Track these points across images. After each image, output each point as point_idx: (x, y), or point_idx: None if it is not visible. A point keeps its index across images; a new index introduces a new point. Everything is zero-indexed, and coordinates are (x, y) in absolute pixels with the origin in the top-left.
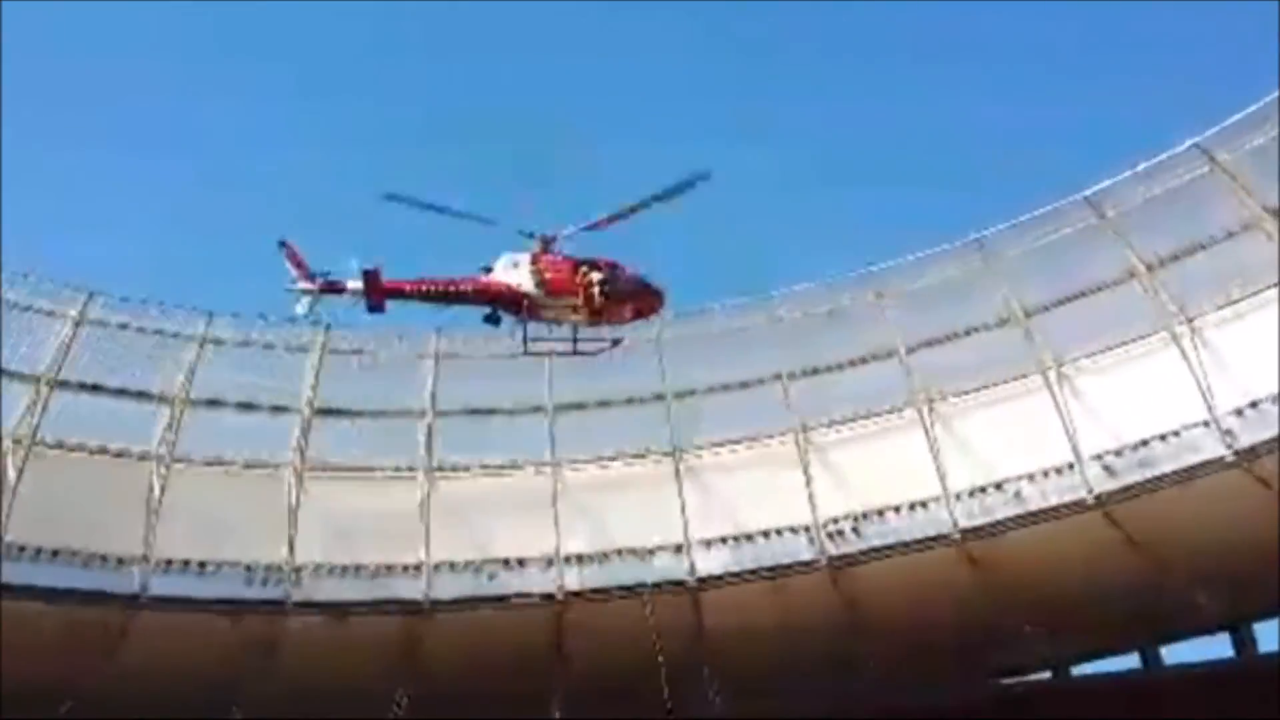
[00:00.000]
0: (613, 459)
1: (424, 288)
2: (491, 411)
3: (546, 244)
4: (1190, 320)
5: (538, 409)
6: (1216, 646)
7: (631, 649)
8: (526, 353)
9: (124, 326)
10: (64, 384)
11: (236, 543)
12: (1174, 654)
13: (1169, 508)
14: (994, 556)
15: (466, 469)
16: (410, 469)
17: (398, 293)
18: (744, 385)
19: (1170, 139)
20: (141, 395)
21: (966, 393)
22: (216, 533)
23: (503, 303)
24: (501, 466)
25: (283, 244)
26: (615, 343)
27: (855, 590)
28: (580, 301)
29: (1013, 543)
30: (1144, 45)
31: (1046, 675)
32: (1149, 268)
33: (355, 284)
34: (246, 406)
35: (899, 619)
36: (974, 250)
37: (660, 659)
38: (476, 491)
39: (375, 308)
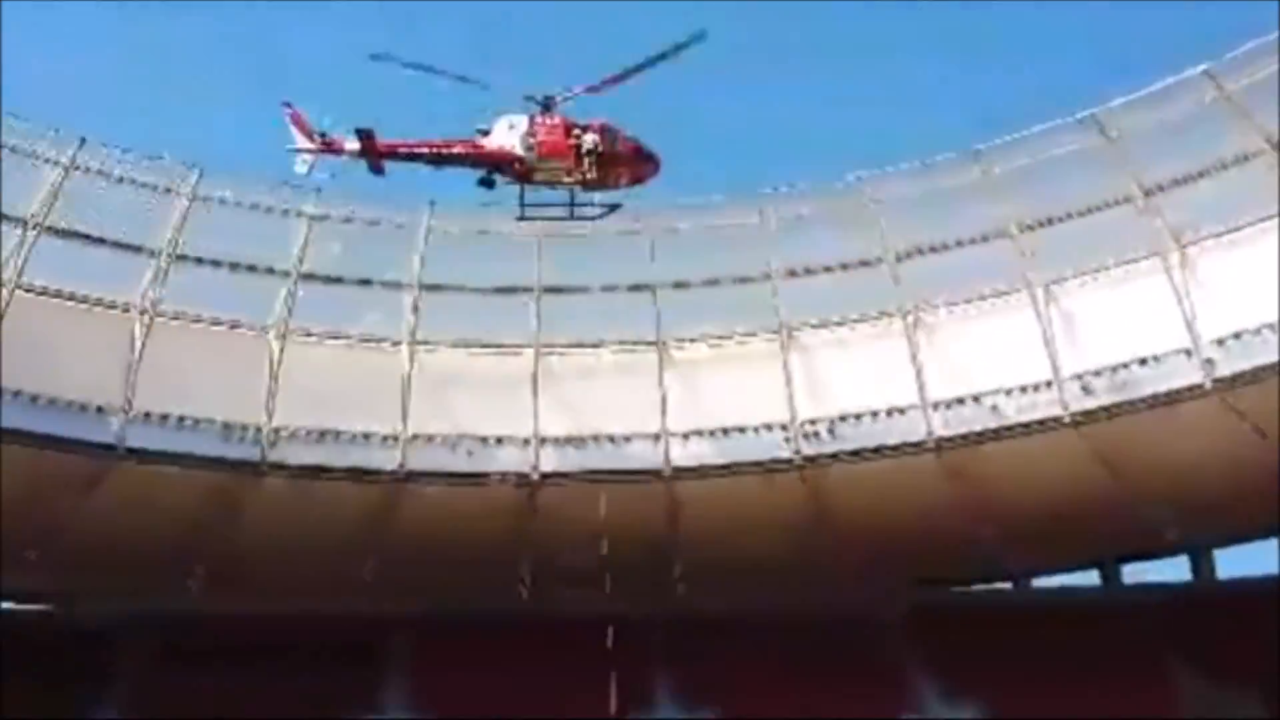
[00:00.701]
0: (596, 345)
1: (419, 149)
2: (478, 290)
3: (547, 107)
4: (1183, 247)
5: (525, 289)
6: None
7: (604, 533)
8: (522, 218)
9: (115, 177)
10: (52, 229)
11: (216, 401)
12: (1134, 574)
13: (1143, 431)
14: (967, 468)
15: (449, 344)
16: (394, 340)
17: (393, 153)
18: (731, 281)
19: (1178, 65)
20: (127, 247)
21: (952, 304)
22: (196, 389)
23: (497, 165)
24: (485, 345)
25: (285, 104)
26: (612, 208)
27: (827, 491)
28: (573, 164)
29: (987, 455)
30: None
31: (1007, 586)
32: (1147, 193)
33: (353, 144)
34: (233, 266)
35: (869, 523)
36: (971, 161)
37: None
38: (459, 367)
39: (375, 169)
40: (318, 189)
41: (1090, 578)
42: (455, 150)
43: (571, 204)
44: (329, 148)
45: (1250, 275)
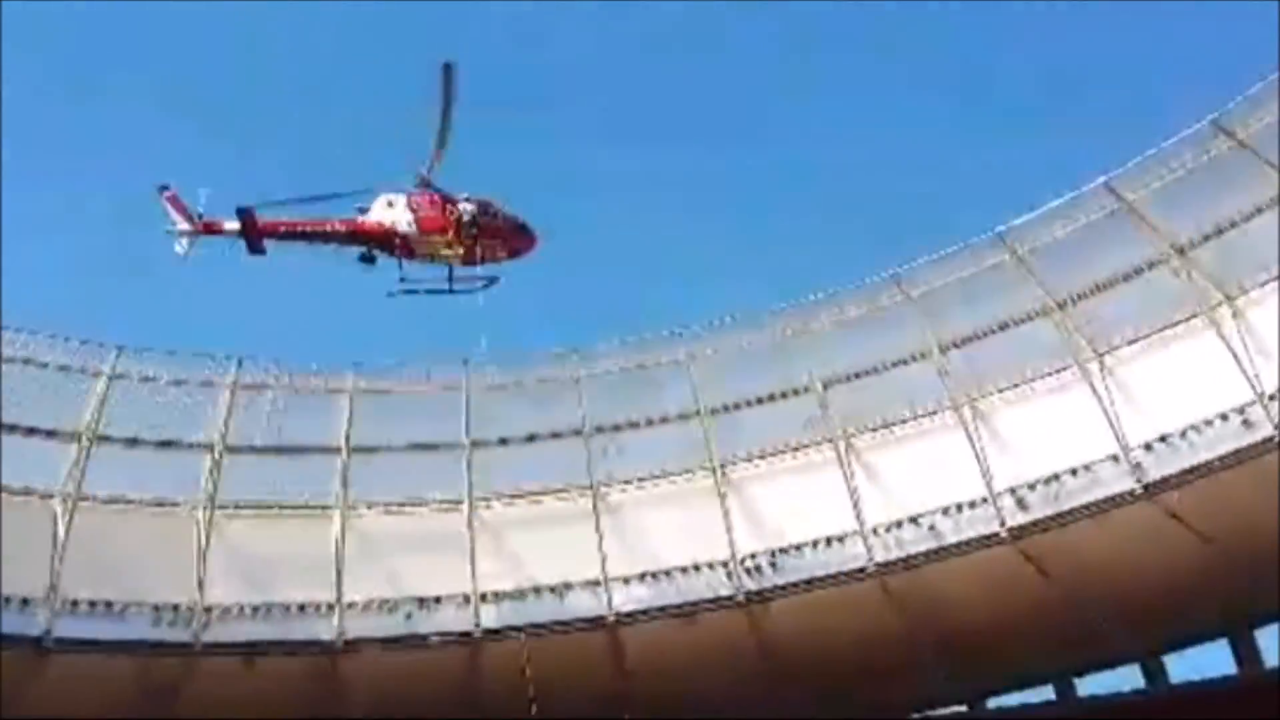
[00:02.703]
0: (530, 495)
1: (299, 228)
2: (407, 448)
3: (424, 183)
4: (1100, 355)
5: (454, 444)
6: (1128, 678)
7: (551, 687)
8: (402, 292)
9: (29, 361)
10: None
11: (145, 582)
12: (1087, 686)
13: (1081, 541)
14: (910, 591)
15: (381, 506)
16: (324, 506)
17: (274, 232)
18: (661, 420)
19: (1080, 178)
20: (49, 433)
21: (882, 428)
22: (124, 572)
23: (378, 242)
24: (417, 504)
25: (163, 188)
26: (490, 281)
27: (772, 625)
28: (453, 238)
29: (928, 577)
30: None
31: (961, 709)
32: (1060, 304)
33: (233, 224)
34: (156, 444)
35: (816, 654)
36: (891, 284)
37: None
38: (391, 529)
39: (255, 249)
40: (239, 360)
41: (1045, 694)
42: (336, 228)
43: (450, 279)
44: (209, 229)
45: (1170, 379)
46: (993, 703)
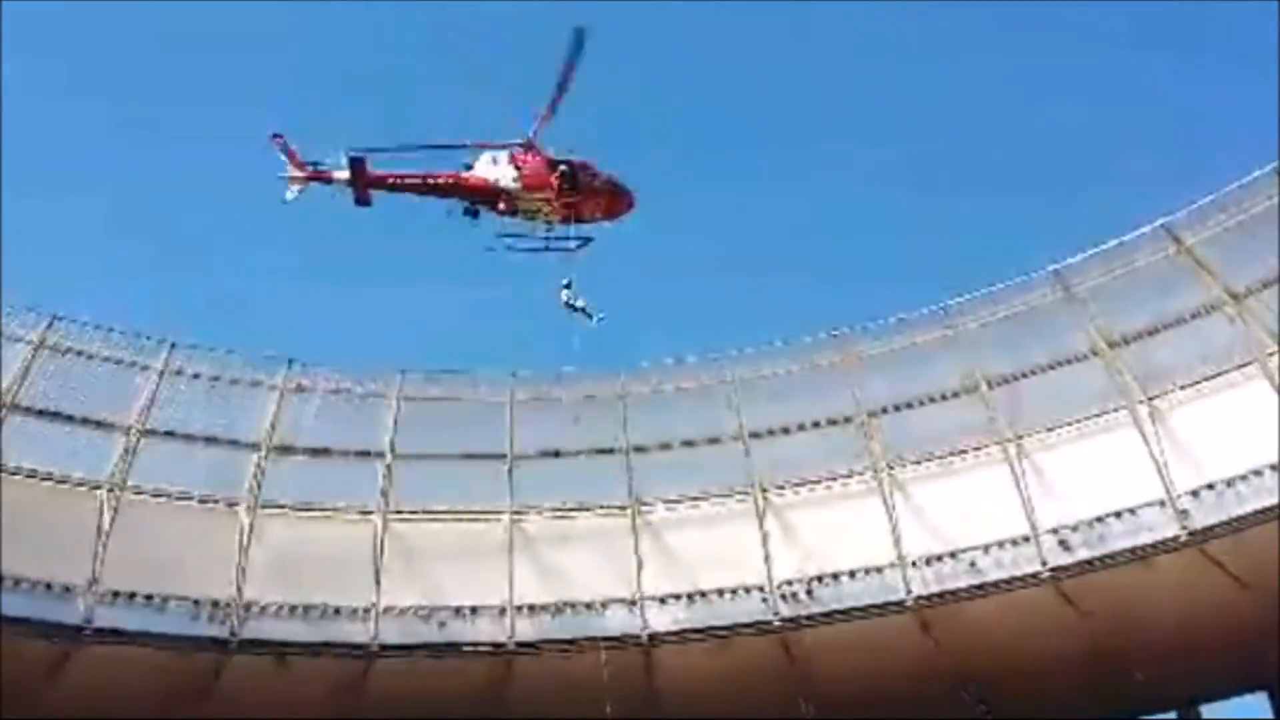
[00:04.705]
0: (570, 510)
1: (407, 179)
2: (450, 457)
3: (527, 144)
4: (1151, 399)
5: (497, 456)
6: None
7: (580, 704)
8: (501, 249)
9: (85, 353)
10: (19, 408)
11: (185, 577)
12: None
13: (1123, 584)
14: (947, 626)
15: (423, 513)
16: (365, 510)
17: (381, 183)
18: (704, 442)
19: (1138, 220)
20: (97, 424)
21: (927, 461)
22: (165, 566)
23: (481, 197)
24: (458, 513)
25: (275, 135)
26: (585, 241)
27: (806, 653)
28: (555, 196)
29: (967, 613)
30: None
31: None
32: (1111, 345)
33: (342, 173)
34: (204, 440)
35: (849, 684)
36: (937, 320)
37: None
38: (431, 536)
39: (361, 200)
40: (289, 361)
41: None
42: (441, 181)
43: (548, 236)
44: (318, 176)
45: (1220, 426)
46: None
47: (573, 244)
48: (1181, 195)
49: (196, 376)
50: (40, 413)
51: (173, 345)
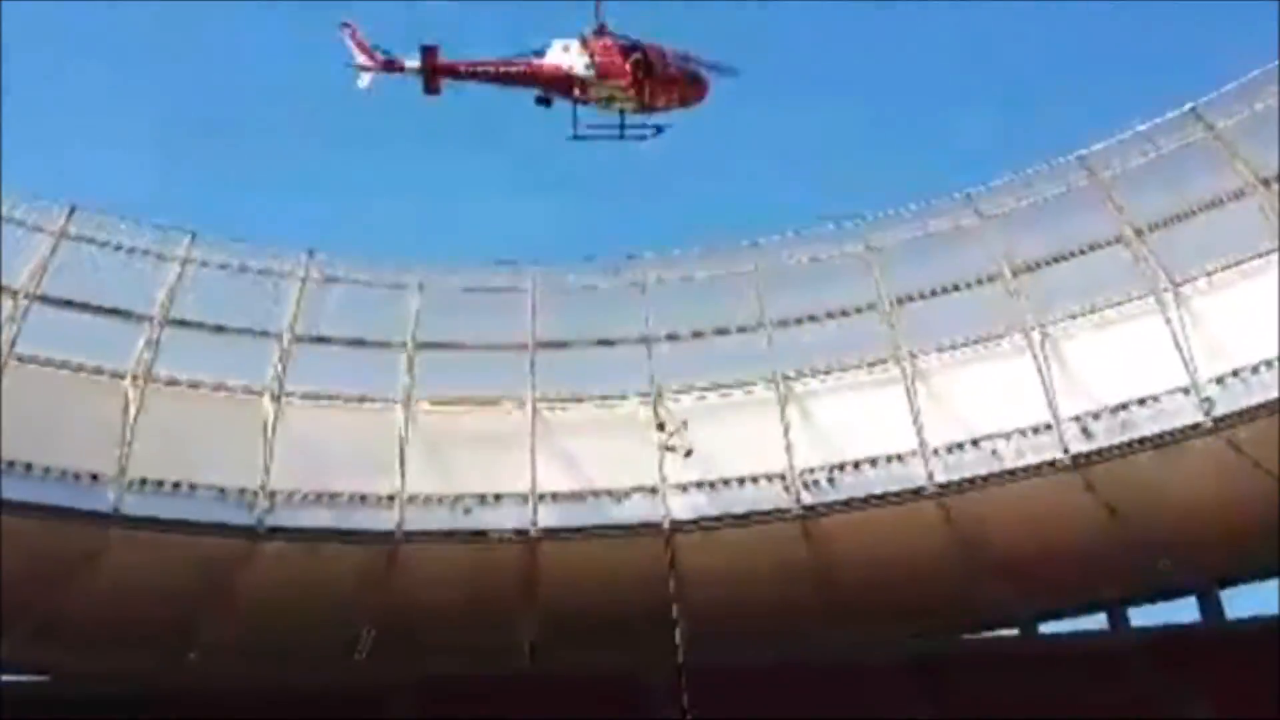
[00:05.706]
0: (592, 399)
1: (479, 68)
2: (473, 346)
3: (599, 30)
4: (1177, 286)
5: (519, 346)
6: (1184, 610)
7: (602, 589)
8: (576, 137)
9: (106, 244)
10: (43, 298)
11: (211, 466)
12: (1141, 616)
13: (1145, 472)
14: (968, 513)
15: (445, 402)
16: (388, 400)
17: (453, 72)
18: (725, 331)
19: (1167, 103)
20: (120, 313)
21: (949, 349)
22: (192, 454)
23: (554, 85)
24: (480, 402)
25: (345, 24)
26: (658, 130)
27: (827, 540)
28: (628, 84)
29: (987, 500)
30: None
31: (1013, 632)
32: (1138, 232)
33: (413, 62)
34: (226, 330)
35: (871, 571)
36: (965, 205)
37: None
38: (455, 425)
39: (431, 89)
40: (310, 250)
41: (1097, 621)
42: (514, 70)
43: (622, 124)
44: (389, 65)
45: (1246, 313)
46: (1045, 628)
47: (648, 132)
48: (1210, 79)
49: (222, 266)
50: (64, 302)
51: (193, 235)
